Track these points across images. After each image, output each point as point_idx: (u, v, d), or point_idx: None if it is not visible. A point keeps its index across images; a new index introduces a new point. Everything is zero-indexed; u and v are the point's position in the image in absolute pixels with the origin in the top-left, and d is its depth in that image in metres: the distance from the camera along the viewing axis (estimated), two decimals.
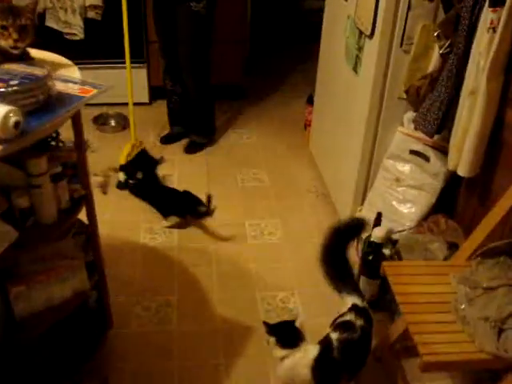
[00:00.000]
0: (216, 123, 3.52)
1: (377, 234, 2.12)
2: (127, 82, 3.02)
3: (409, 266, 1.84)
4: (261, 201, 2.91)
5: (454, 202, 2.26)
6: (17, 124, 1.20)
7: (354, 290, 1.83)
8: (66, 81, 1.50)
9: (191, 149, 3.33)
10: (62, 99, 1.41)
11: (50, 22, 3.31)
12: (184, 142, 3.40)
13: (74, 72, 1.59)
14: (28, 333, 1.63)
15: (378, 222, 2.23)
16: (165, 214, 2.69)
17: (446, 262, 1.92)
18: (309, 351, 1.68)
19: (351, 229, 1.91)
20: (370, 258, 2.15)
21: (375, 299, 2.21)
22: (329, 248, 1.86)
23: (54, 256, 1.62)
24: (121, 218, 2.74)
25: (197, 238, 2.63)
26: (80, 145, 1.56)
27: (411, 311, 1.62)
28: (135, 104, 3.21)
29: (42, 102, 1.34)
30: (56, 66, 1.61)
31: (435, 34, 2.03)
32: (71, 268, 1.65)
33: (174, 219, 2.67)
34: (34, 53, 1.64)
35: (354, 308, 1.76)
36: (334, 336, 1.71)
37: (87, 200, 1.66)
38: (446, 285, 1.71)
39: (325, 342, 1.71)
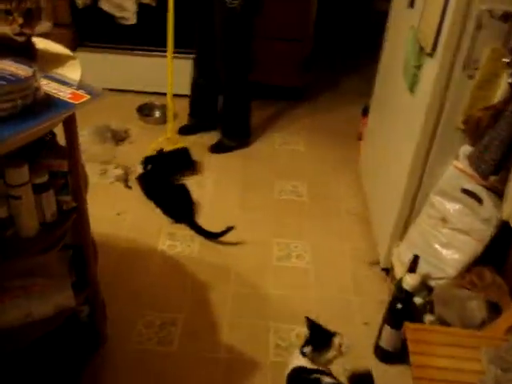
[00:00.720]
0: (262, 125, 3.31)
1: (409, 281, 1.86)
2: (168, 73, 2.86)
3: (435, 332, 1.57)
4: (294, 218, 2.69)
5: (505, 254, 1.96)
6: None
7: None
8: (60, 81, 1.34)
9: (217, 148, 3.14)
10: (48, 105, 1.25)
11: (103, 4, 3.21)
12: (200, 135, 3.24)
13: (76, 70, 1.43)
14: (5, 348, 1.51)
15: (414, 265, 1.96)
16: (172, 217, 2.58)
17: (479, 332, 1.64)
18: None
19: None
20: (399, 306, 1.90)
21: (399, 352, 1.96)
22: None
23: (35, 271, 1.48)
24: (142, 218, 2.60)
25: (218, 252, 2.45)
26: (73, 154, 1.40)
27: None
28: (182, 96, 3.07)
29: (20, 108, 1.19)
30: (58, 60, 1.46)
31: (506, 61, 1.74)
32: (54, 284, 1.51)
33: None
34: (41, 43, 1.50)
35: None
36: None
37: (79, 213, 1.50)
38: (475, 361, 1.44)
39: None
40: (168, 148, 2.91)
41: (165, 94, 3.38)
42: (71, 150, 1.40)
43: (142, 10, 3.24)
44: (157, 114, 3.39)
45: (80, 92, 1.30)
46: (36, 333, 1.55)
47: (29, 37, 1.44)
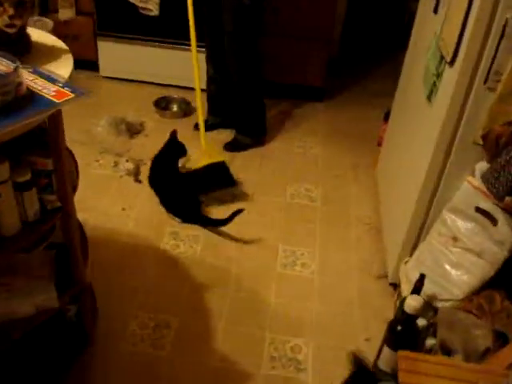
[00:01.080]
0: (282, 124, 3.23)
1: (411, 303, 1.76)
2: (194, 67, 2.77)
3: (430, 364, 1.47)
4: (304, 223, 2.60)
5: None
6: None
7: None
8: (48, 78, 1.29)
9: (231, 146, 3.05)
10: (30, 101, 1.20)
11: None
12: (217, 132, 3.15)
13: (67, 65, 1.38)
14: None
15: (418, 286, 1.85)
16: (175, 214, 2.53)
17: (478, 366, 1.53)
18: None
19: None
20: (399, 328, 1.80)
21: (396, 373, 1.86)
22: None
23: (17, 269, 1.44)
24: (148, 215, 2.56)
25: (221, 255, 2.38)
26: (58, 152, 1.35)
27: None
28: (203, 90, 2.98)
29: (0, 104, 1.14)
30: (51, 53, 1.41)
31: None
32: (36, 283, 1.47)
33: None
34: (36, 35, 1.45)
35: None
36: None
37: (65, 213, 1.45)
38: None
39: None
40: (202, 163, 2.68)
41: (184, 88, 3.36)
42: (56, 148, 1.34)
43: (165, 1, 3.18)
44: (174, 107, 3.34)
45: (65, 90, 1.25)
46: (18, 331, 1.51)
47: (21, 28, 1.38)
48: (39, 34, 1.48)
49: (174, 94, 3.42)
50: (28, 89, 1.22)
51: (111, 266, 2.26)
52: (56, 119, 1.31)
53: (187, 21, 2.91)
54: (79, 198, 2.57)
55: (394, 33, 4.20)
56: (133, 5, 3.20)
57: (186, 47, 3.25)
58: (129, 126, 3.06)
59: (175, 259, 2.33)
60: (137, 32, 3.34)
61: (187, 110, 3.28)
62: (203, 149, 2.77)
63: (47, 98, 1.21)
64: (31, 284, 1.46)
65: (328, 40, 3.33)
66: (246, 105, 3.01)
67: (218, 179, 2.68)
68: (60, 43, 1.48)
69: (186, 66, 3.07)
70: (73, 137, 2.99)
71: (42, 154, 1.37)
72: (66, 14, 3.32)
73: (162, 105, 3.32)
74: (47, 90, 1.24)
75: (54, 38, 1.49)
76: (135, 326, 2.04)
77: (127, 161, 2.83)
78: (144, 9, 3.21)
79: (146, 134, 3.10)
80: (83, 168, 2.77)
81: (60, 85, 1.27)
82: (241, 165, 2.95)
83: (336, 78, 3.82)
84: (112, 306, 2.09)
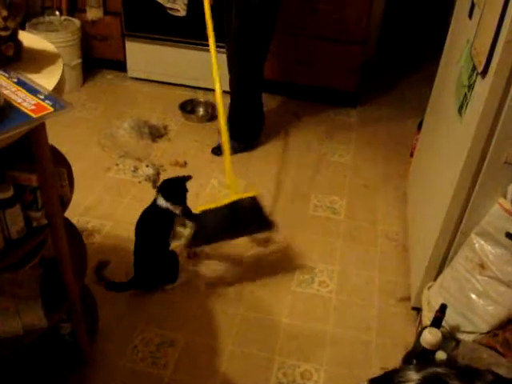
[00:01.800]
0: (310, 130, 3.10)
1: (428, 338, 1.61)
2: (214, 69, 2.66)
3: None
4: (326, 238, 2.46)
5: None
6: None
7: None
8: (30, 89, 1.21)
9: (220, 150, 2.74)
10: (5, 116, 1.12)
11: None
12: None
13: (55, 74, 1.29)
14: None
15: (440, 316, 1.70)
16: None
17: None
18: None
19: None
20: (414, 362, 1.65)
21: None
22: None
23: (2, 288, 1.37)
24: None
25: (235, 269, 2.28)
26: (43, 167, 1.27)
27: None
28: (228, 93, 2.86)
29: None
30: (42, 59, 1.33)
31: None
32: (23, 303, 1.40)
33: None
34: (27, 39, 1.38)
35: None
36: None
37: (53, 231, 1.38)
38: None
39: None
40: (228, 199, 2.20)
41: (211, 90, 3.24)
42: (40, 163, 1.26)
43: (192, 2, 3.09)
44: (200, 111, 3.25)
45: (45, 103, 1.16)
46: (5, 350, 1.45)
47: (14, 31, 1.31)
48: (32, 39, 1.41)
49: (201, 96, 3.34)
50: (6, 101, 1.15)
51: (121, 276, 2.19)
52: (39, 133, 1.23)
53: (216, 22, 2.83)
54: (94, 204, 2.55)
55: (435, 35, 3.98)
56: (160, 5, 3.13)
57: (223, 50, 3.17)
58: (152, 129, 2.99)
59: (187, 273, 2.24)
60: (164, 33, 3.26)
61: (214, 113, 3.19)
62: (228, 185, 2.29)
63: (24, 112, 1.13)
64: (17, 304, 1.39)
65: (363, 42, 3.17)
66: (240, 107, 2.87)
67: (250, 220, 2.20)
68: (52, 48, 1.39)
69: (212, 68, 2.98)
70: (95, 140, 2.95)
71: (26, 169, 1.29)
72: (93, 13, 3.28)
73: (188, 108, 3.24)
74: (27, 104, 1.16)
75: (46, 42, 1.41)
76: (139, 341, 1.96)
77: (147, 166, 2.76)
78: (171, 9, 3.14)
79: (168, 139, 3.03)
80: (102, 172, 2.75)
81: (42, 97, 1.19)
82: (261, 171, 2.84)
83: (371, 81, 3.65)
84: (118, 319, 2.02)
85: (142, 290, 2.13)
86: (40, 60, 1.35)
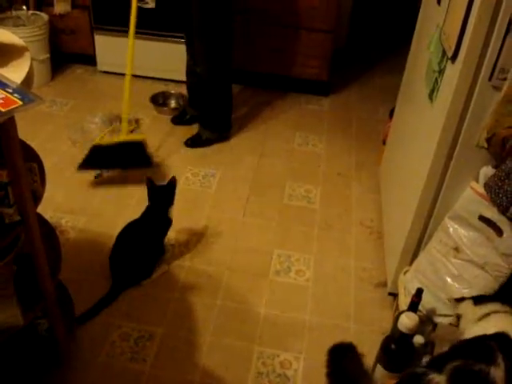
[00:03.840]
0: (282, 120, 3.09)
1: (406, 322, 1.62)
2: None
3: None
4: (301, 227, 2.47)
5: None
6: None
7: None
8: None
9: (192, 142, 2.90)
10: None
11: None
12: (196, 127, 2.99)
13: (23, 67, 1.26)
14: None
15: (416, 301, 1.72)
16: None
17: None
18: None
19: None
20: (393, 347, 1.67)
21: None
22: None
23: None
24: None
25: (212, 260, 2.27)
26: (13, 163, 1.24)
27: None
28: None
29: None
30: (9, 52, 1.29)
31: None
32: None
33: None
34: None
35: None
36: None
37: (27, 226, 1.35)
38: None
39: None
40: (120, 138, 2.63)
41: (182, 82, 3.23)
42: (10, 159, 1.23)
43: None
44: (172, 103, 3.23)
45: (14, 97, 1.13)
46: None
47: None
48: None
49: (172, 89, 3.31)
50: None
51: (96, 271, 2.16)
52: (8, 127, 1.20)
53: (184, 13, 2.80)
54: (67, 200, 2.51)
55: (405, 23, 4.01)
56: None
57: (182, 40, 3.15)
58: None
59: (163, 266, 2.22)
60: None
61: (186, 105, 3.16)
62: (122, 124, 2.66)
63: None
64: None
65: (333, 31, 3.17)
66: (212, 97, 2.85)
67: (135, 158, 2.62)
68: (19, 41, 1.36)
69: (185, 60, 2.96)
70: (65, 135, 2.90)
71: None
72: (61, 7, 3.21)
73: (160, 101, 3.20)
74: None
75: (13, 35, 1.37)
76: (117, 336, 1.93)
77: None
78: (140, 1, 3.07)
79: (140, 132, 2.99)
80: (73, 168, 2.70)
81: (10, 91, 1.15)
82: (236, 162, 2.83)
83: (343, 71, 3.67)
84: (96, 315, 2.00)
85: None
86: (7, 53, 1.31)
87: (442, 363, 1.30)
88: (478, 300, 1.67)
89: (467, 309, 1.69)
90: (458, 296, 1.75)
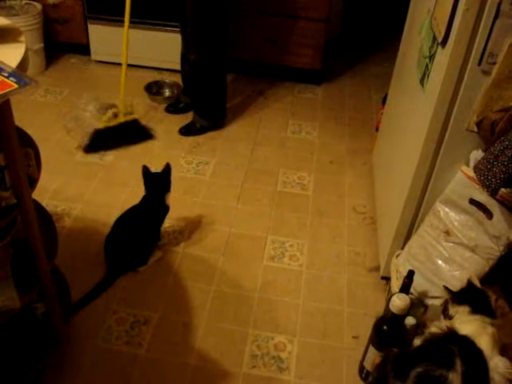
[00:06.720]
0: (277, 109, 3.10)
1: (397, 303, 1.65)
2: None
3: None
4: (295, 213, 2.49)
5: None
6: None
7: None
8: None
9: (186, 130, 2.93)
10: None
11: None
12: (191, 115, 3.02)
13: (20, 50, 1.27)
14: None
15: (407, 283, 1.75)
16: None
17: None
18: None
19: None
20: (385, 328, 1.70)
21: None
22: None
23: None
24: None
25: (206, 247, 2.29)
26: (10, 146, 1.26)
27: None
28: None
29: None
30: (3, 37, 1.30)
31: None
32: None
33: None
34: None
35: None
36: None
37: (22, 209, 1.36)
38: None
39: None
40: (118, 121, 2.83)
41: (177, 71, 3.24)
42: (7, 142, 1.25)
43: None
44: (166, 92, 3.23)
45: (9, 80, 1.15)
46: None
47: None
48: None
49: (166, 78, 3.31)
50: None
51: (92, 258, 2.18)
52: (4, 111, 1.21)
53: (178, 1, 2.80)
54: (62, 188, 2.52)
55: (398, 11, 4.02)
56: None
57: (177, 29, 3.15)
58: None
59: (158, 251, 2.24)
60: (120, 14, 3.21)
61: (179, 94, 3.17)
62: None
63: None
64: None
65: (327, 20, 3.18)
66: (207, 84, 2.85)
67: (136, 134, 2.86)
68: (13, 25, 1.37)
69: (179, 49, 2.96)
70: (60, 124, 2.91)
71: None
72: None
73: (154, 90, 3.21)
74: None
75: (6, 20, 1.38)
76: (113, 321, 1.96)
77: None
78: None
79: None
80: (68, 156, 2.72)
81: (5, 74, 1.17)
82: (230, 149, 2.85)
83: (336, 59, 3.68)
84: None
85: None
86: (1, 38, 1.32)
87: (407, 369, 1.35)
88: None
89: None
90: (449, 279, 1.78)
